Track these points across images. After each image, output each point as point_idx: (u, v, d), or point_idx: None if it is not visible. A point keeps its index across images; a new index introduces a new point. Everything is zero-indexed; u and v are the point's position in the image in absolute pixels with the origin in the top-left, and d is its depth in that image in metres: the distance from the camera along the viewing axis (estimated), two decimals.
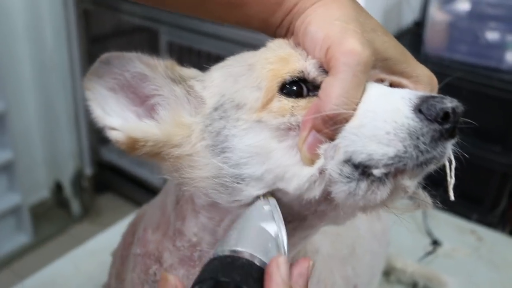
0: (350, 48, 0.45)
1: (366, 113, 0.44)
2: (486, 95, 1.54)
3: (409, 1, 1.80)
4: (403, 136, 0.43)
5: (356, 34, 0.46)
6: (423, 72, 0.51)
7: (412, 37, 1.75)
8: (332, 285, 0.69)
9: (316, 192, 0.46)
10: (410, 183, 0.45)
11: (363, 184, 0.44)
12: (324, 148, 0.45)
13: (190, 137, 0.52)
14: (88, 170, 2.82)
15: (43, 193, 2.68)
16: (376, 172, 0.43)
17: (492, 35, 1.54)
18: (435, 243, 1.23)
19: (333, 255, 0.74)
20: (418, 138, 0.43)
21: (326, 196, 0.46)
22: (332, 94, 0.45)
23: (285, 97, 0.48)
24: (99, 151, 2.77)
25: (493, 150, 1.61)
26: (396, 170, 0.43)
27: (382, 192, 0.44)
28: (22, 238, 2.40)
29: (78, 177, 2.70)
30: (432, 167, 0.45)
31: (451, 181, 0.51)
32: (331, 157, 0.44)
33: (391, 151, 0.42)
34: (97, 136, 2.68)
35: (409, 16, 1.84)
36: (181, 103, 0.54)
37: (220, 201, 0.51)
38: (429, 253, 1.20)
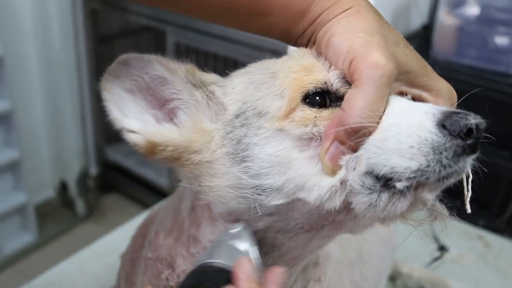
0: (374, 61, 0.46)
1: (389, 126, 0.45)
2: (494, 100, 1.53)
3: (417, 4, 1.79)
4: (427, 151, 0.43)
5: (380, 47, 0.46)
6: (444, 86, 0.51)
7: (421, 41, 1.75)
8: None
9: (336, 202, 0.46)
10: (430, 196, 0.45)
11: (384, 196, 0.44)
12: (346, 159, 0.45)
13: (210, 144, 0.52)
14: (94, 170, 2.82)
15: (48, 192, 2.68)
16: (399, 185, 0.43)
17: (501, 40, 1.53)
18: (442, 248, 1.23)
19: (342, 260, 0.73)
20: (441, 153, 0.43)
21: (346, 207, 0.46)
22: (356, 106, 0.45)
23: (308, 107, 0.48)
24: (105, 151, 2.77)
25: (501, 156, 1.60)
26: (417, 183, 0.43)
27: (403, 204, 0.45)
28: (27, 237, 2.40)
29: (83, 177, 2.71)
30: (452, 181, 0.45)
31: (468, 194, 0.52)
32: (353, 168, 0.45)
33: (414, 165, 0.43)
34: (103, 136, 2.69)
35: (417, 20, 1.83)
36: (202, 108, 0.54)
37: (239, 212, 0.51)
38: (436, 259, 1.19)
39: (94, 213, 2.72)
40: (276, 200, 0.48)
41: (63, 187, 2.70)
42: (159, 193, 2.43)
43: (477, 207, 1.78)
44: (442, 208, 0.51)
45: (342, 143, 0.45)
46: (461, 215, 1.44)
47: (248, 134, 0.50)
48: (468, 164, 0.45)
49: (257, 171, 0.48)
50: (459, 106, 0.52)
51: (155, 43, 2.61)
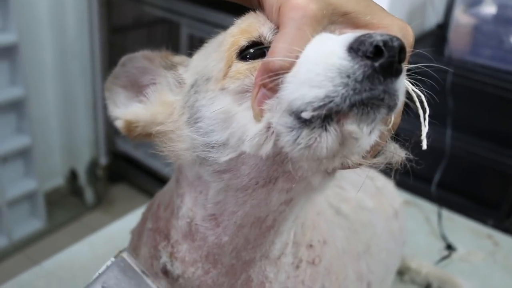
0: (295, 3, 0.45)
1: (302, 59, 0.43)
2: (509, 100, 1.52)
3: (433, 3, 1.79)
4: (332, 76, 0.40)
5: None
6: (394, 22, 0.49)
7: (435, 40, 1.74)
8: (344, 278, 0.69)
9: (267, 148, 0.46)
10: (357, 129, 0.42)
11: (304, 132, 0.42)
12: (270, 102, 0.44)
13: (172, 114, 0.57)
14: (103, 160, 2.84)
15: (58, 180, 2.71)
16: (305, 114, 0.41)
17: None
18: (450, 247, 1.22)
19: (347, 250, 0.74)
20: (348, 77, 0.40)
21: (280, 152, 0.46)
22: (276, 48, 0.45)
23: (242, 62, 0.50)
24: (115, 141, 2.79)
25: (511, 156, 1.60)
26: (328, 111, 0.41)
27: (327, 140, 0.42)
28: (36, 224, 2.43)
29: (93, 166, 2.73)
30: (383, 111, 0.42)
31: (425, 129, 0.49)
32: (276, 110, 0.44)
33: (321, 92, 0.40)
34: (113, 126, 2.69)
35: (432, 19, 1.82)
36: (170, 86, 0.59)
37: (200, 173, 0.55)
38: (444, 258, 1.19)
39: (103, 202, 2.74)
40: (225, 156, 0.50)
41: (72, 176, 2.72)
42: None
43: (487, 207, 1.78)
44: (394, 148, 0.49)
45: (267, 87, 0.45)
46: (470, 214, 1.44)
47: (199, 99, 0.53)
48: (393, 88, 0.41)
49: (206, 129, 0.51)
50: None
51: (168, 35, 2.63)
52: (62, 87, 2.48)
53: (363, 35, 0.41)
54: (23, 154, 2.29)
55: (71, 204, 2.70)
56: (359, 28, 0.48)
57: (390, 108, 0.42)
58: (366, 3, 0.48)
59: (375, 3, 0.50)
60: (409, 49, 0.48)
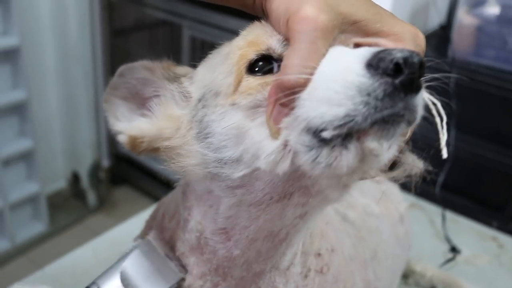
0: (305, 15, 0.44)
1: (318, 76, 0.43)
2: None
3: (436, 4, 1.78)
4: (352, 94, 0.40)
5: (315, 1, 0.44)
6: (405, 28, 0.48)
7: (438, 40, 1.73)
8: (352, 286, 0.69)
9: (285, 165, 0.45)
10: (378, 146, 0.41)
11: (325, 151, 0.42)
12: (287, 120, 0.44)
13: (180, 129, 0.55)
14: (105, 162, 2.84)
15: (61, 183, 2.71)
16: (326, 134, 0.41)
17: None
18: (454, 250, 1.22)
19: (354, 257, 0.73)
20: (368, 95, 0.39)
21: (297, 169, 0.45)
22: (289, 64, 0.44)
23: (252, 76, 0.49)
24: (117, 144, 2.78)
25: None
26: (349, 130, 0.40)
27: (347, 158, 0.41)
28: (38, 227, 2.43)
29: (95, 169, 2.73)
30: (403, 126, 0.42)
31: (444, 137, 0.49)
32: (293, 128, 0.43)
33: (341, 111, 0.40)
34: None
35: (435, 20, 1.82)
36: (175, 99, 0.58)
37: (211, 187, 0.53)
38: (449, 260, 1.18)
39: (105, 205, 2.74)
40: (238, 172, 0.49)
41: (75, 178, 2.72)
42: (170, 187, 2.43)
43: (491, 209, 1.77)
44: (413, 159, 0.49)
45: (282, 104, 0.44)
46: (474, 216, 1.43)
47: (208, 113, 0.52)
48: (412, 104, 0.41)
49: (217, 145, 0.50)
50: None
51: (170, 37, 2.62)
52: (64, 90, 2.48)
53: (382, 51, 0.40)
54: (26, 157, 2.29)
55: (74, 207, 2.69)
56: (369, 36, 0.47)
57: (410, 123, 0.42)
58: (375, 11, 0.48)
59: (384, 10, 0.49)
60: (422, 54, 0.47)
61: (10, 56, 2.09)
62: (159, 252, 0.60)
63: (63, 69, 2.43)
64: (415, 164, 0.49)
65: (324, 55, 0.44)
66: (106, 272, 0.59)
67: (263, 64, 0.49)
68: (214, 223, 0.56)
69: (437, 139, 0.49)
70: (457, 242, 1.24)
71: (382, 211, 0.91)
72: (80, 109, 2.57)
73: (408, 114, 0.41)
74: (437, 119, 0.48)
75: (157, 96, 0.59)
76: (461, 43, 1.57)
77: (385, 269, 0.84)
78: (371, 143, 0.41)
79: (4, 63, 2.10)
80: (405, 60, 0.39)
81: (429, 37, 1.77)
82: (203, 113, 0.53)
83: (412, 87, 0.40)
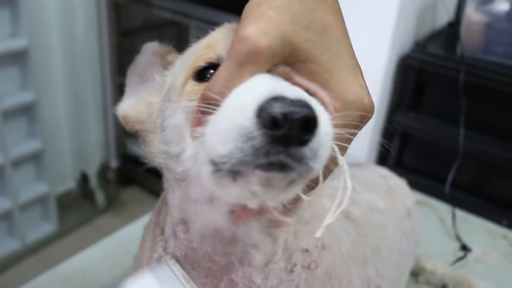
0: (244, 35, 0.42)
1: (225, 105, 0.43)
2: None
3: (444, 1, 1.77)
4: (234, 137, 0.40)
5: (266, 22, 0.43)
6: (351, 89, 0.46)
7: (447, 38, 1.72)
8: (349, 284, 0.69)
9: (193, 172, 0.48)
10: (261, 190, 0.42)
11: (215, 176, 0.43)
12: (199, 131, 0.45)
13: (152, 115, 0.59)
14: (114, 163, 2.85)
15: (69, 183, 2.72)
16: (215, 163, 0.43)
17: None
18: (465, 248, 1.21)
19: (353, 256, 0.73)
20: (246, 141, 0.40)
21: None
22: (213, 79, 0.44)
23: (195, 82, 0.52)
24: (125, 144, 2.80)
25: None
26: (231, 168, 0.41)
27: (236, 189, 0.43)
28: (48, 227, 2.44)
29: (103, 169, 2.74)
30: (293, 174, 0.42)
31: (337, 210, 0.48)
32: (201, 142, 0.45)
33: (223, 150, 0.41)
34: (124, 129, 2.71)
35: (444, 17, 1.81)
36: (157, 87, 0.61)
37: (167, 176, 0.57)
38: (460, 259, 1.17)
39: (114, 205, 2.75)
40: (179, 167, 0.51)
41: (83, 179, 2.73)
42: None
43: (501, 207, 1.76)
44: (278, 215, 0.50)
45: (203, 112, 0.45)
46: (483, 213, 1.42)
47: (168, 107, 0.55)
48: (299, 155, 0.40)
49: (167, 139, 0.53)
50: None
51: (178, 37, 2.63)
52: (72, 91, 2.49)
53: (267, 101, 0.39)
54: (35, 158, 2.30)
55: (83, 207, 2.71)
56: (314, 81, 0.46)
57: (303, 173, 0.42)
58: (331, 56, 0.45)
59: (346, 55, 0.47)
60: (356, 122, 0.46)
61: (19, 58, 2.10)
62: (177, 277, 0.59)
63: (70, 70, 2.44)
64: (281, 219, 0.51)
65: (247, 80, 0.43)
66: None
67: (212, 71, 0.50)
68: (177, 211, 0.58)
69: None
70: (468, 240, 1.23)
71: (388, 205, 0.91)
72: (88, 109, 2.58)
73: (297, 165, 0.41)
74: (340, 189, 0.47)
75: (153, 79, 0.63)
76: (470, 40, 1.55)
77: (389, 265, 0.83)
78: (255, 186, 0.42)
79: (13, 65, 2.11)
80: (285, 116, 0.39)
81: (437, 35, 1.76)
82: (166, 106, 0.55)
83: (290, 142, 0.40)
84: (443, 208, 1.40)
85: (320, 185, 0.46)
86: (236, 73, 0.43)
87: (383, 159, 1.76)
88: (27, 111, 2.20)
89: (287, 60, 0.45)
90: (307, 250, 0.63)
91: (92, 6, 2.42)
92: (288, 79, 0.45)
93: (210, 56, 0.51)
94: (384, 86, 1.60)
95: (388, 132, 1.72)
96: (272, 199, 0.44)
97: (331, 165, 0.46)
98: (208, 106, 0.43)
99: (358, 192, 0.89)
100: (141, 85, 0.64)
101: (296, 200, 0.48)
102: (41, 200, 2.39)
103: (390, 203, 0.92)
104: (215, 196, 0.50)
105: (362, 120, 0.47)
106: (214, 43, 0.53)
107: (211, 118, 0.43)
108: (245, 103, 0.41)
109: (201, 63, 0.51)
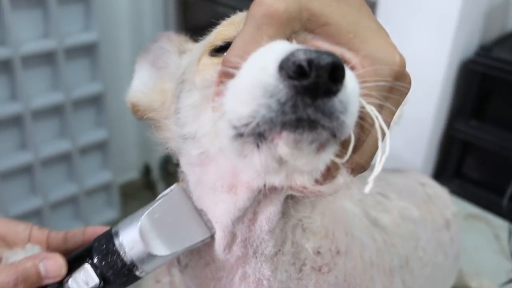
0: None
1: (244, 67, 0.40)
2: None
3: None
4: (258, 95, 0.38)
5: None
6: (379, 47, 0.44)
7: None
8: None
9: (215, 147, 0.45)
10: (289, 152, 0.39)
11: (237, 143, 0.40)
12: (219, 100, 0.42)
13: (165, 103, 0.57)
14: (175, 156, 2.92)
15: (133, 173, 2.83)
16: (237, 128, 0.40)
17: None
18: None
19: (377, 263, 0.69)
20: (271, 97, 0.37)
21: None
22: (233, 46, 0.42)
23: (210, 57, 0.50)
24: None
25: None
26: (254, 130, 0.39)
27: (260, 157, 0.40)
28: (111, 213, 2.56)
29: (165, 162, 2.82)
30: (324, 135, 0.39)
31: (383, 156, 0.43)
32: (220, 111, 0.42)
33: (245, 111, 0.38)
34: None
35: None
36: (172, 73, 0.60)
37: (181, 162, 0.55)
38: None
39: None
40: (195, 149, 0.49)
41: (146, 170, 2.83)
42: None
43: None
44: (345, 180, 0.44)
45: (224, 83, 0.43)
46: None
47: (183, 89, 0.53)
48: (327, 109, 0.37)
49: (182, 120, 0.51)
50: None
51: None
52: None
53: (290, 53, 0.37)
54: (101, 147, 2.41)
55: (144, 197, 2.80)
56: (339, 45, 0.44)
57: (335, 131, 0.39)
58: (352, 19, 0.44)
59: (368, 20, 0.45)
60: (389, 79, 0.44)
61: (89, 50, 2.21)
62: (192, 203, 0.55)
63: None
64: (348, 186, 0.45)
65: (265, 43, 0.41)
66: (129, 219, 0.56)
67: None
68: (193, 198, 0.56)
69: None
70: None
71: (424, 215, 0.86)
72: None
73: (327, 121, 0.38)
74: (378, 133, 0.43)
75: (166, 68, 0.62)
76: None
77: (419, 278, 0.79)
78: (282, 148, 0.39)
79: (84, 57, 2.22)
80: (309, 62, 0.36)
81: (507, 38, 1.65)
82: (180, 88, 0.54)
83: (318, 92, 0.37)
84: (500, 224, 1.31)
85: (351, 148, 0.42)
86: (255, 36, 0.42)
87: (441, 168, 1.67)
88: (95, 101, 2.31)
89: (307, 27, 0.44)
90: (318, 253, 0.61)
91: (160, 3, 2.50)
92: (310, 45, 0.44)
93: (230, 34, 0.50)
94: (443, 91, 1.52)
95: (448, 140, 1.63)
96: (301, 167, 0.41)
97: (364, 126, 0.43)
98: (228, 72, 0.42)
99: (391, 199, 0.85)
100: (154, 73, 0.64)
101: (328, 173, 0.43)
102: (105, 187, 2.51)
103: (425, 212, 0.87)
104: (236, 181, 0.48)
105: (396, 77, 0.45)
106: (236, 21, 0.51)
107: (231, 83, 0.41)
108: (266, 61, 0.39)
109: (219, 42, 0.50)
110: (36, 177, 2.17)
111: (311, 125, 0.38)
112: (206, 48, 0.51)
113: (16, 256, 0.58)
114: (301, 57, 0.36)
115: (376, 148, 0.45)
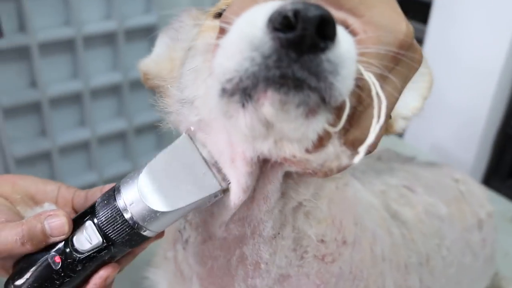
0: None
1: (235, 23, 0.39)
2: None
3: None
4: (243, 48, 0.36)
5: None
6: (384, 14, 0.41)
7: None
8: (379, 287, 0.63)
9: (207, 109, 0.44)
10: (274, 112, 0.36)
11: (222, 103, 0.39)
12: (212, 60, 0.41)
13: (173, 71, 0.58)
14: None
15: None
16: (223, 85, 0.38)
17: None
18: None
19: (390, 258, 0.66)
20: (256, 50, 0.35)
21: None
22: (231, 4, 0.42)
23: (212, 20, 0.49)
24: None
25: None
26: (237, 86, 0.37)
27: (245, 118, 0.38)
28: None
29: None
30: (311, 95, 0.36)
31: (377, 126, 0.40)
32: (211, 70, 0.41)
33: (230, 64, 0.37)
34: None
35: None
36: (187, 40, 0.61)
37: (180, 131, 0.54)
38: None
39: None
40: (193, 115, 0.48)
41: None
42: None
43: None
44: (337, 151, 0.41)
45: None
46: None
47: (187, 55, 0.52)
48: (316, 67, 0.35)
49: (183, 85, 0.50)
50: None
51: None
52: None
53: (279, 7, 0.36)
54: (154, 129, 2.46)
55: None
56: (343, 10, 0.42)
57: (322, 92, 0.37)
58: None
59: None
60: (393, 48, 0.41)
61: (148, 33, 2.26)
62: (200, 154, 0.51)
63: None
64: (338, 157, 0.42)
65: (263, 1, 0.40)
66: (134, 172, 0.53)
67: None
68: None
69: None
70: None
71: (452, 213, 0.82)
72: None
73: (314, 81, 0.36)
74: (375, 101, 0.40)
75: (184, 39, 0.63)
76: None
77: (440, 278, 0.75)
78: (267, 108, 0.37)
79: (144, 39, 2.28)
80: (296, 13, 0.34)
81: None
82: (186, 54, 0.54)
83: (303, 46, 0.35)
84: None
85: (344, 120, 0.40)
86: None
87: (494, 167, 1.58)
88: None
89: None
90: (322, 241, 0.59)
91: None
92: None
93: None
94: (500, 85, 1.43)
95: (503, 137, 1.54)
96: (290, 133, 0.39)
97: (362, 96, 0.40)
98: (224, 29, 0.41)
99: (417, 193, 0.82)
100: (169, 45, 0.66)
101: (320, 143, 0.41)
102: None
103: (455, 210, 0.83)
104: (234, 153, 0.47)
105: (402, 47, 0.42)
106: None
107: (222, 40, 0.40)
108: (256, 15, 0.38)
109: (224, 6, 0.50)
110: (93, 153, 2.27)
111: (297, 84, 0.36)
112: (211, 12, 0.52)
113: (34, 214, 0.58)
114: (288, 8, 0.35)
115: (381, 122, 0.42)
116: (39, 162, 2.24)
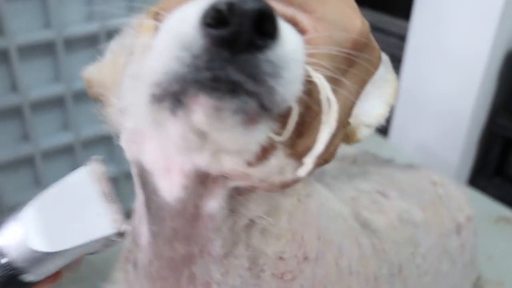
0: None
1: (166, 21, 0.35)
2: None
3: None
4: (172, 47, 0.32)
5: None
6: (333, 9, 0.37)
7: None
8: None
9: (139, 116, 0.39)
10: (204, 120, 0.33)
11: (151, 110, 0.35)
12: (145, 65, 0.37)
13: (116, 78, 0.50)
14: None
15: None
16: (145, 94, 0.34)
17: None
18: None
19: (357, 271, 0.63)
20: (186, 49, 0.31)
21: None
22: (166, 0, 0.38)
23: (153, 19, 0.43)
24: None
25: None
26: (166, 91, 0.33)
27: (174, 126, 0.34)
28: None
29: None
30: (248, 100, 0.32)
31: (325, 133, 0.36)
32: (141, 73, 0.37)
33: (159, 66, 0.33)
34: None
35: None
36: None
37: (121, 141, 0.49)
38: None
39: None
40: (128, 123, 0.43)
41: None
42: None
43: None
44: (281, 164, 0.38)
45: None
46: None
47: (129, 60, 0.46)
48: (254, 69, 0.31)
49: (121, 92, 0.45)
50: None
51: None
52: None
53: (215, 2, 0.31)
54: None
55: None
56: (292, 5, 0.38)
57: (261, 98, 0.33)
58: None
59: None
60: (346, 47, 0.37)
61: None
62: (100, 189, 0.46)
63: None
64: (282, 171, 0.38)
65: None
66: (20, 208, 0.46)
67: None
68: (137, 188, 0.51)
69: None
70: None
71: (428, 218, 0.78)
72: None
73: (251, 85, 0.32)
74: (324, 105, 0.36)
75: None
76: None
77: (416, 287, 0.72)
78: (197, 115, 0.33)
79: None
80: (230, 6, 0.30)
81: None
82: (128, 59, 0.48)
83: (238, 44, 0.31)
84: None
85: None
86: None
87: (480, 166, 1.56)
88: None
89: None
90: (281, 258, 0.56)
91: None
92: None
93: None
94: (484, 83, 1.41)
95: (488, 136, 1.51)
96: (227, 144, 0.35)
97: (313, 105, 0.36)
98: (158, 28, 0.37)
99: (390, 198, 0.79)
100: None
101: (266, 154, 0.37)
102: None
103: (431, 215, 0.80)
104: (170, 163, 0.43)
105: (356, 47, 0.38)
106: None
107: (155, 39, 0.37)
108: (188, 11, 0.34)
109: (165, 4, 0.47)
110: (78, 157, 2.24)
111: (232, 88, 0.32)
112: (152, 10, 0.47)
113: None
114: (223, 0, 0.31)
115: (332, 129, 0.38)
116: (22, 167, 2.21)
